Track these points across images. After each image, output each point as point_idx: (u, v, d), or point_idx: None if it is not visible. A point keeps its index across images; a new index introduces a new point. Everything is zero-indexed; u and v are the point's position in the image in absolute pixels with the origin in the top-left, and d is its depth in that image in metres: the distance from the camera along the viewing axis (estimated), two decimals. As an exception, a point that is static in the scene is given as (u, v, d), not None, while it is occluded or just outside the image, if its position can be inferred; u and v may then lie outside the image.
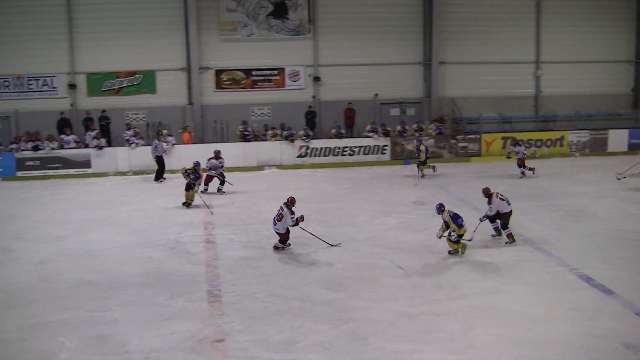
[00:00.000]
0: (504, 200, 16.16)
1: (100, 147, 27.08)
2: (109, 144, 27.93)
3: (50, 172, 27.04)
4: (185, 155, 26.93)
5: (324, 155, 28.25)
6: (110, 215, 20.13)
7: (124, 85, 29.97)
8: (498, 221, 16.37)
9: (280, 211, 15.43)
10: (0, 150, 27.03)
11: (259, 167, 27.48)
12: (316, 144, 28.51)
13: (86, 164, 27.06)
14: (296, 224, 15.49)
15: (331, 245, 15.97)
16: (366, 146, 28.68)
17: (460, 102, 31.68)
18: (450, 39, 31.49)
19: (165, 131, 27.76)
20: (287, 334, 11.22)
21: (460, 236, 14.99)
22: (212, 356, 10.63)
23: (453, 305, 12.31)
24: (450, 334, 11.04)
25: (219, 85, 30.57)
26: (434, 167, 25.30)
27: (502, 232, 16.32)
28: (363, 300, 12.74)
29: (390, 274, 14.23)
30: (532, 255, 15.38)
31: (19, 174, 26.90)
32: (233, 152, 27.43)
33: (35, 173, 27.00)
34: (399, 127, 29.29)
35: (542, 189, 22.80)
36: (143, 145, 27.54)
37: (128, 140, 27.50)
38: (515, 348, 10.48)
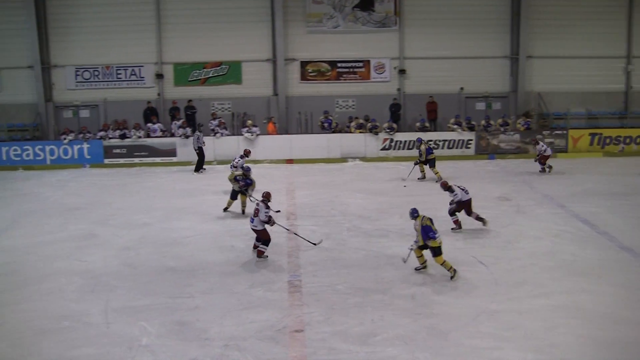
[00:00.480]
0: (462, 189, 16.84)
1: (186, 136, 27.36)
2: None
3: (137, 160, 27.48)
4: (269, 145, 27.14)
5: (408, 149, 27.90)
6: (195, 203, 20.32)
7: (210, 75, 30.24)
8: (457, 214, 16.97)
9: (256, 207, 14.90)
10: (88, 138, 27.57)
11: (343, 159, 27.36)
12: (400, 136, 28.22)
13: (172, 152, 27.40)
14: (268, 221, 14.68)
15: (314, 244, 15.30)
16: (450, 140, 28.26)
17: (547, 97, 30.95)
18: (538, 33, 30.74)
19: (250, 121, 27.90)
20: (366, 327, 11.13)
21: (435, 249, 13.41)
22: (290, 346, 10.60)
23: (535, 303, 12.03)
24: (531, 332, 10.80)
25: (304, 77, 30.57)
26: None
27: (472, 217, 16.94)
28: (444, 295, 12.58)
29: (471, 269, 13.98)
30: (618, 255, 14.88)
31: (107, 161, 27.44)
32: (316, 144, 27.46)
33: (122, 161, 27.49)
34: (483, 122, 28.81)
35: (633, 186, 22.09)
36: (228, 135, 27.72)
37: (213, 130, 27.72)
38: (598, 349, 10.18)
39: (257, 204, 14.83)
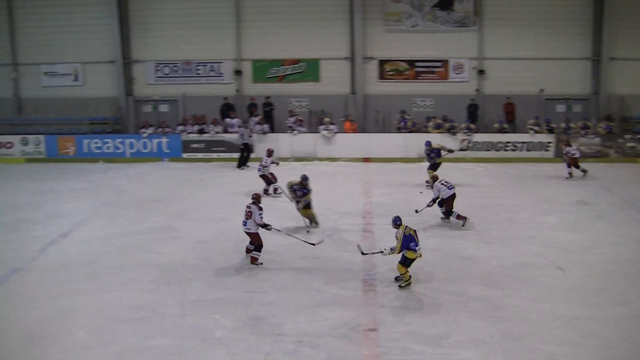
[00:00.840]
0: (445, 185, 17.24)
1: (263, 133, 27.48)
2: (272, 130, 28.30)
3: (214, 155, 27.71)
4: (346, 143, 27.07)
5: (486, 150, 27.54)
6: (271, 199, 20.35)
7: (288, 72, 30.32)
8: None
9: (248, 209, 14.44)
10: (167, 132, 27.92)
11: (419, 159, 27.09)
12: (478, 137, 27.86)
13: (250, 148, 27.47)
14: (263, 226, 14.31)
15: (313, 244, 14.97)
16: (529, 142, 27.74)
17: (630, 100, 30.14)
18: (621, 34, 29.87)
19: (327, 119, 27.89)
20: (440, 328, 11.02)
21: (411, 260, 12.85)
22: (364, 345, 10.55)
23: (614, 312, 11.69)
24: (609, 341, 10.53)
25: (382, 76, 30.41)
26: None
27: (450, 217, 17.32)
28: (520, 299, 12.34)
29: (549, 274, 13.71)
30: None
31: (185, 155, 27.76)
32: (393, 143, 27.27)
33: (199, 155, 27.76)
34: (563, 124, 28.21)
35: None
36: (305, 132, 27.75)
37: (290, 127, 27.79)
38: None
39: (249, 207, 14.41)
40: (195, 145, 27.82)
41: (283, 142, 27.37)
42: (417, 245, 12.76)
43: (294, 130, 27.61)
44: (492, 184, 22.89)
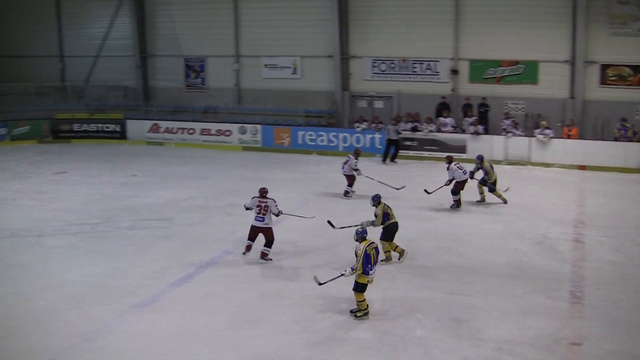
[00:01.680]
0: (460, 169, 18.83)
1: (477, 134, 27.12)
2: (486, 132, 27.86)
3: (426, 153, 27.63)
4: (562, 149, 26.15)
5: None
6: (481, 202, 20.03)
7: (506, 74, 29.67)
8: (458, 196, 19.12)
9: (263, 204, 14.29)
10: (381, 128, 28.12)
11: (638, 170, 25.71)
12: None
13: (461, 149, 27.16)
14: (278, 214, 14.47)
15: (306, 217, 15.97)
16: None
17: None
18: None
19: (544, 123, 27.07)
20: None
21: (363, 286, 11.53)
22: (566, 359, 10.20)
23: None
24: None
25: (603, 81, 29.07)
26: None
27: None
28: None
29: None
30: None
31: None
32: (612, 152, 26.02)
33: (411, 153, 27.73)
34: None
35: None
36: (520, 135, 27.08)
37: (505, 129, 27.23)
38: None
39: (260, 202, 14.39)
40: (408, 143, 27.82)
41: (496, 145, 26.83)
42: (372, 269, 11.55)
43: (508, 132, 27.01)
44: None
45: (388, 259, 14.45)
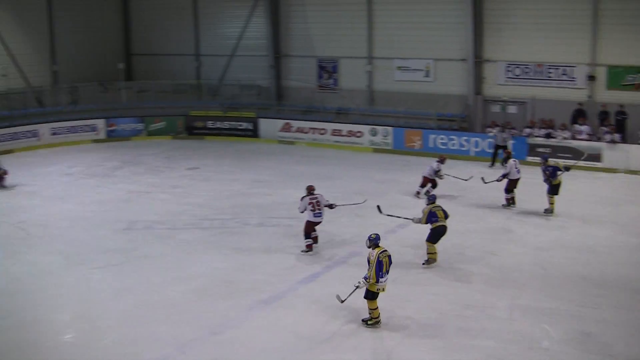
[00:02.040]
0: (516, 169, 19.32)
1: (613, 142, 26.28)
2: (623, 140, 26.95)
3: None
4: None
5: None
6: (615, 213, 19.37)
7: (647, 80, 28.70)
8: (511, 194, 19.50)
9: (315, 200, 15.08)
10: (513, 134, 27.66)
11: None
12: None
13: (597, 157, 26.35)
14: (330, 206, 15.56)
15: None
16: None
17: None
18: None
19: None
20: None
21: (374, 294, 11.35)
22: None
23: None
24: None
25: None
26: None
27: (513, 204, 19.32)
28: None
29: None
30: None
31: (529, 159, 27.13)
32: None
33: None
34: None
35: None
36: (660, 145, 26.12)
37: (644, 138, 26.34)
38: None
39: (312, 198, 15.13)
40: (541, 149, 27.23)
41: (633, 154, 25.94)
42: (383, 277, 11.36)
43: (647, 142, 26.10)
44: None
45: (430, 261, 14.51)
